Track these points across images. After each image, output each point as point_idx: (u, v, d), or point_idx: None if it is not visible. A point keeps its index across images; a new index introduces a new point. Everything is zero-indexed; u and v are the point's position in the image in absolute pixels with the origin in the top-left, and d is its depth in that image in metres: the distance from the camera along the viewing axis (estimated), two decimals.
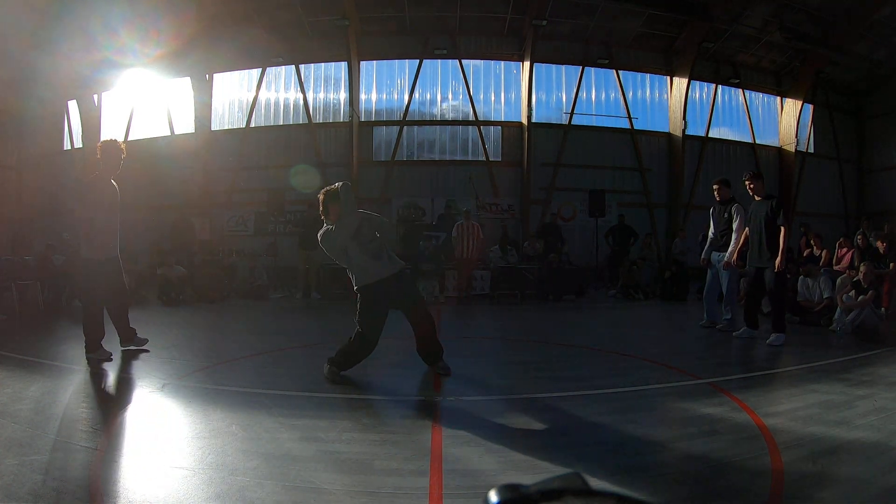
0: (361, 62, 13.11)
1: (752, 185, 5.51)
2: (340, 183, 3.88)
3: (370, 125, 13.33)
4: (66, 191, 13.74)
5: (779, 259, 5.23)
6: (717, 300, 6.27)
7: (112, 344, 4.66)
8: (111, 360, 4.47)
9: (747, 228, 5.66)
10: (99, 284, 4.60)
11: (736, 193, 6.25)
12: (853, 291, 5.92)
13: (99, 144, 4.71)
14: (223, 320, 6.87)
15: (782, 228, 5.28)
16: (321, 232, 3.87)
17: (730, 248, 5.92)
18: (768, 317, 5.72)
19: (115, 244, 4.69)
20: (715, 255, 6.16)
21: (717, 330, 6.05)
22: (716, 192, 6.24)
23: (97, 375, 4.02)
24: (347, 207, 3.75)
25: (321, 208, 3.83)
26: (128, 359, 4.58)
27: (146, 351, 4.80)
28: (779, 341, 5.20)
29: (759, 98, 14.69)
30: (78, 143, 14.06)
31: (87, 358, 4.44)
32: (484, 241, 9.68)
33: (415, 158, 13.42)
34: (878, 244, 7.01)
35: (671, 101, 13.76)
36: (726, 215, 6.04)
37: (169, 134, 13.67)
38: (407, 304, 3.95)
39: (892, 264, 6.64)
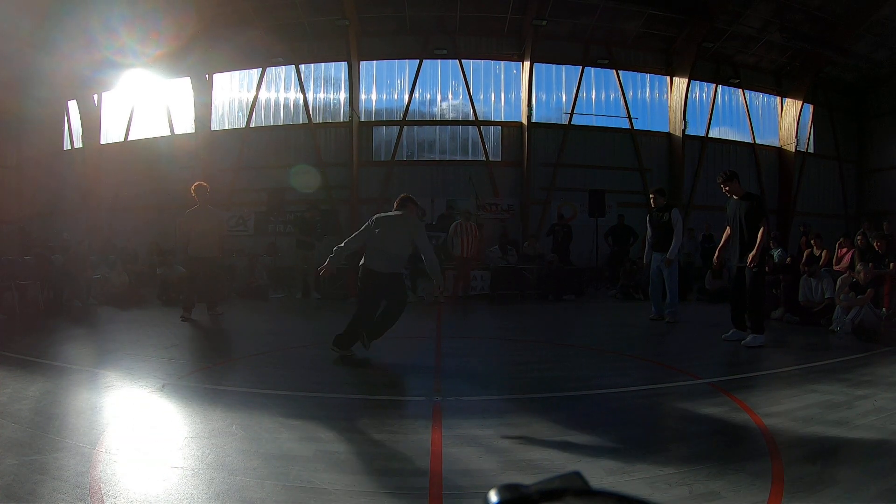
0: (361, 62, 13.10)
1: (726, 188, 5.40)
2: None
3: (370, 125, 13.33)
4: (68, 190, 13.78)
5: (752, 253, 5.10)
6: (661, 295, 6.77)
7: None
8: (192, 320, 6.47)
9: (728, 228, 5.63)
10: (195, 273, 6.79)
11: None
12: (852, 293, 5.92)
13: (193, 186, 6.76)
14: (223, 320, 6.87)
15: (762, 227, 5.17)
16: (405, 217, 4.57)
17: (671, 248, 6.44)
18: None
19: (207, 247, 6.69)
20: (656, 256, 6.67)
21: (665, 323, 6.51)
22: (652, 201, 6.83)
23: (97, 375, 4.02)
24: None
25: (399, 204, 4.61)
26: (128, 359, 4.59)
27: (222, 314, 6.92)
28: (756, 342, 5.06)
29: (759, 98, 14.68)
30: (78, 143, 14.07)
31: (182, 317, 6.48)
32: (482, 241, 9.69)
33: (415, 158, 13.42)
34: (876, 245, 7.01)
35: (671, 101, 13.76)
36: (664, 219, 6.56)
37: (169, 134, 13.66)
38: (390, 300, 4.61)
39: (892, 264, 6.63)
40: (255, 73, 13.49)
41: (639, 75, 13.84)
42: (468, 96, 13.30)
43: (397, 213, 4.59)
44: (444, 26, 12.96)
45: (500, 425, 2.97)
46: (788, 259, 8.03)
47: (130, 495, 2.09)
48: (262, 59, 13.21)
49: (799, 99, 14.06)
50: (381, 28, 13.03)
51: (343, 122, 13.16)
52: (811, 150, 14.92)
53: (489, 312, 8.25)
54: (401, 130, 13.27)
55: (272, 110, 13.59)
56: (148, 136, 13.80)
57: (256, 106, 13.50)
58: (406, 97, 13.28)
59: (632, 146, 13.59)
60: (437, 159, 13.39)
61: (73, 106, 14.05)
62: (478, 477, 2.29)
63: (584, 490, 0.41)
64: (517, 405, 3.43)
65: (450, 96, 13.48)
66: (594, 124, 13.58)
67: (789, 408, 3.22)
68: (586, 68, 13.44)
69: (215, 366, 4.47)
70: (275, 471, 2.34)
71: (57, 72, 12.33)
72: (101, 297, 8.65)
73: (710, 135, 14.11)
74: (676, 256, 6.65)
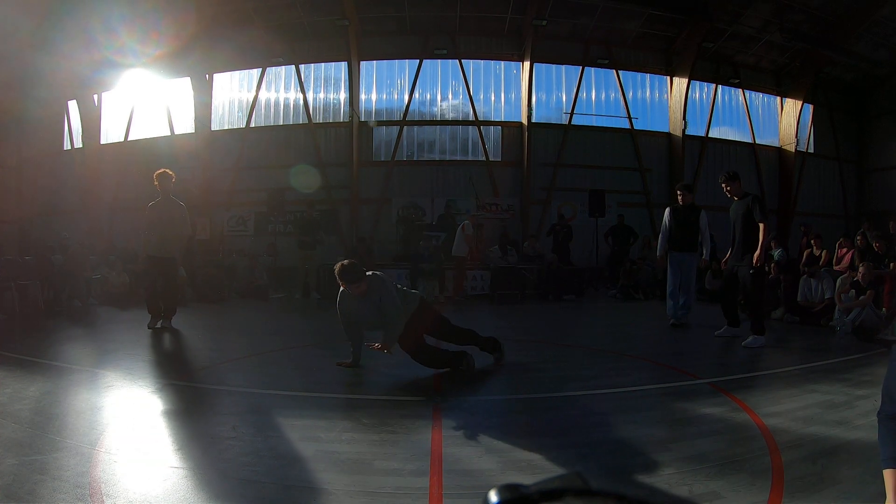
0: (361, 62, 13.11)
1: (728, 188, 5.41)
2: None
3: (370, 125, 13.33)
4: (67, 190, 13.77)
5: (756, 253, 5.07)
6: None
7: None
8: (157, 327, 5.72)
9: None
10: (153, 273, 5.90)
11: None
12: (853, 292, 5.92)
13: (155, 175, 5.94)
14: (223, 320, 6.87)
15: (761, 225, 5.14)
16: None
17: (705, 252, 6.39)
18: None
19: (165, 246, 5.84)
20: (676, 255, 6.37)
21: (675, 324, 6.31)
22: (679, 197, 6.47)
23: (97, 375, 4.01)
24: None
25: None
26: (128, 359, 4.59)
27: (170, 327, 5.84)
28: (756, 343, 5.01)
29: (759, 98, 14.69)
30: (78, 143, 14.06)
31: (148, 325, 5.71)
32: (482, 241, 9.70)
33: (415, 158, 13.42)
34: (875, 245, 7.01)
35: (671, 101, 13.76)
36: (691, 219, 6.30)
37: (169, 134, 13.67)
38: None
39: (892, 264, 6.63)
40: (255, 73, 13.50)
41: (639, 75, 13.85)
42: (468, 96, 13.31)
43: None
44: (444, 26, 12.97)
45: (500, 425, 2.97)
46: (773, 263, 7.89)
47: (130, 495, 2.08)
48: (262, 59, 13.22)
49: (799, 99, 14.06)
50: (381, 28, 13.03)
51: (343, 122, 13.17)
52: (811, 150, 14.92)
53: (489, 312, 8.24)
54: (401, 130, 13.28)
55: (272, 110, 13.60)
56: (148, 136, 13.81)
57: (256, 106, 13.51)
58: (406, 97, 13.29)
59: (632, 146, 13.59)
60: (437, 159, 13.40)
61: (73, 106, 14.04)
62: (478, 477, 2.29)
63: (584, 490, 0.41)
64: (517, 405, 3.43)
65: (450, 96, 13.49)
66: (594, 124, 13.59)
67: (789, 408, 3.21)
68: (586, 68, 13.45)
69: (215, 366, 4.47)
70: (275, 471, 2.34)
71: (57, 72, 12.32)
72: (101, 297, 8.66)
73: (710, 135, 14.12)
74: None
